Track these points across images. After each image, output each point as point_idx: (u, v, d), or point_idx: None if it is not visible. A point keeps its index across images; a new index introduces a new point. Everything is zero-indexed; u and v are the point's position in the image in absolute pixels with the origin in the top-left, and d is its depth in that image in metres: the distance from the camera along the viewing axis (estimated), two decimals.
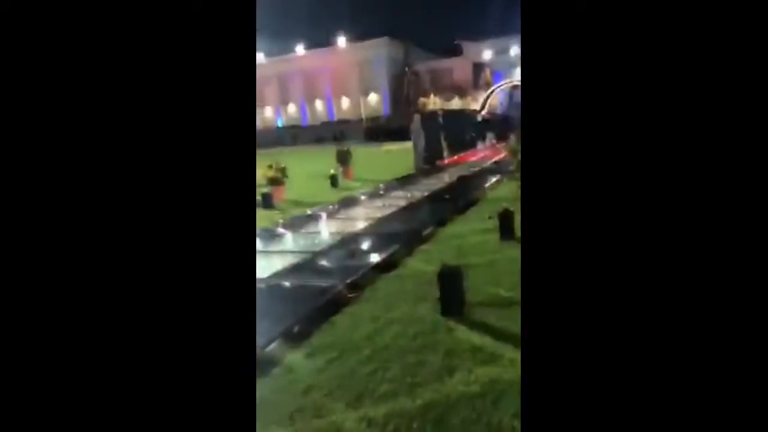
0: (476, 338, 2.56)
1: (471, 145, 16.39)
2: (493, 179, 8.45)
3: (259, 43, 45.13)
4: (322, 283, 3.52)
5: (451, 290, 2.88)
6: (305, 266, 4.06)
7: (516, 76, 38.34)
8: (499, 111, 26.36)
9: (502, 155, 11.81)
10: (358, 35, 45.18)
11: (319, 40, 46.29)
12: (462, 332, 2.64)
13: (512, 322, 2.69)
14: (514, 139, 7.73)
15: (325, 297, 3.23)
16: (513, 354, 2.34)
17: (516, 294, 3.09)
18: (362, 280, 3.57)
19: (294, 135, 40.95)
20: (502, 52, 41.70)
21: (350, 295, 3.31)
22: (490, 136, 17.72)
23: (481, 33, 44.08)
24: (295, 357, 2.54)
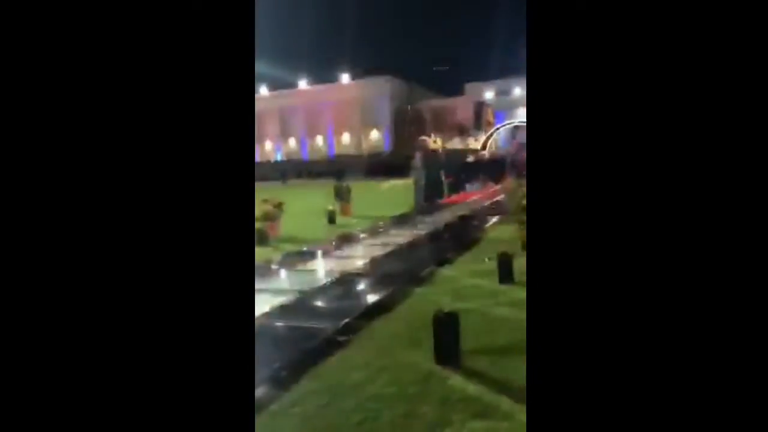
0: (471, 388, 2.51)
1: (470, 184, 16.31)
2: (493, 220, 8.48)
3: (262, 76, 46.27)
4: (314, 324, 3.47)
5: (446, 337, 2.85)
6: (297, 306, 4.02)
7: (518, 116, 39.14)
8: (501, 151, 26.54)
9: (502, 196, 11.91)
10: (361, 72, 46.33)
11: (322, 75, 47.46)
12: (457, 381, 2.59)
13: (509, 371, 2.64)
14: (512, 182, 7.80)
15: (315, 340, 3.18)
16: (508, 406, 2.29)
17: (513, 342, 3.05)
18: (355, 323, 3.53)
19: (299, 170, 41.00)
20: (504, 92, 42.71)
21: (342, 339, 3.26)
22: (483, 178, 16.94)
23: (484, 73, 45.00)
24: (281, 403, 2.48)
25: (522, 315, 3.50)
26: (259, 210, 8.28)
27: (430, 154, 15.55)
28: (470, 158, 18.25)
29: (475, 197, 13.44)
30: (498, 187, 14.98)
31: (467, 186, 15.59)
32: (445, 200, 13.17)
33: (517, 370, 2.63)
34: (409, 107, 44.20)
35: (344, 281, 4.79)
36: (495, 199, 12.07)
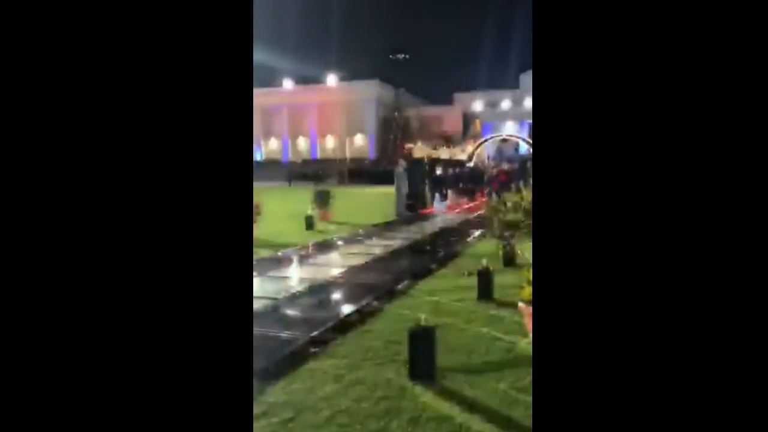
0: (444, 406, 2.51)
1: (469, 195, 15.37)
2: (476, 233, 8.54)
3: None
4: (284, 333, 3.44)
5: (421, 352, 2.84)
6: (268, 314, 3.98)
7: (505, 129, 39.63)
8: (486, 164, 26.50)
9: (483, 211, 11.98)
10: (349, 75, 46.37)
11: (309, 75, 47.32)
12: (429, 399, 2.59)
13: (483, 390, 2.65)
14: (495, 198, 7.85)
15: (285, 350, 3.15)
16: (480, 426, 2.29)
17: (490, 361, 3.07)
18: (328, 334, 3.51)
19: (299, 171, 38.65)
20: (493, 104, 43.25)
21: (313, 350, 3.23)
22: (451, 195, 15.21)
23: (473, 84, 45.08)
24: None
25: (499, 333, 3.52)
26: None
27: (415, 163, 15.57)
28: (439, 171, 16.31)
29: (460, 209, 13.51)
30: (471, 204, 14.48)
31: (434, 204, 13.83)
32: (428, 210, 13.23)
33: (492, 390, 2.64)
34: (396, 114, 44.41)
35: (318, 290, 4.76)
36: (479, 213, 12.17)
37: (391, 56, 41.31)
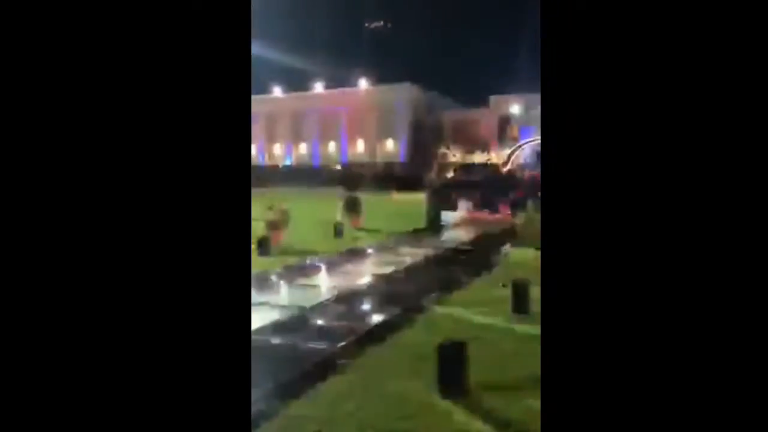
0: (475, 424, 2.47)
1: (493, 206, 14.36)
2: (508, 244, 8.41)
3: (276, 77, 46.89)
4: (311, 344, 3.46)
5: (451, 368, 2.81)
6: (294, 323, 4.02)
7: None
8: (524, 168, 25.86)
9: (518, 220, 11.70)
10: (380, 78, 46.60)
11: (340, 79, 47.82)
12: (459, 416, 2.56)
13: (516, 408, 2.59)
14: (531, 206, 7.75)
15: (311, 361, 3.17)
16: None
17: (526, 377, 3.00)
18: (355, 346, 3.51)
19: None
20: (532, 107, 42.62)
21: (339, 362, 3.24)
22: (467, 205, 13.09)
23: (511, 86, 44.48)
24: (268, 428, 2.46)
25: (536, 349, 3.45)
26: (263, 217, 8.35)
27: (449, 168, 15.45)
28: (459, 176, 14.04)
29: (493, 218, 13.31)
30: (497, 216, 12.84)
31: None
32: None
33: (528, 409, 2.58)
34: (428, 117, 44.36)
35: (346, 300, 4.77)
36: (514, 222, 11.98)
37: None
